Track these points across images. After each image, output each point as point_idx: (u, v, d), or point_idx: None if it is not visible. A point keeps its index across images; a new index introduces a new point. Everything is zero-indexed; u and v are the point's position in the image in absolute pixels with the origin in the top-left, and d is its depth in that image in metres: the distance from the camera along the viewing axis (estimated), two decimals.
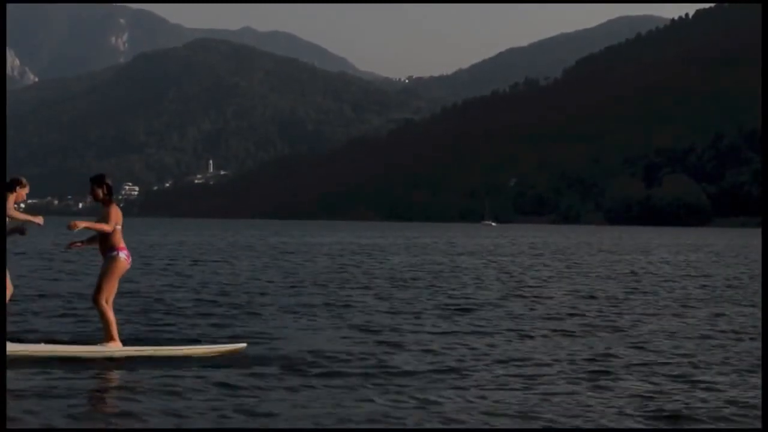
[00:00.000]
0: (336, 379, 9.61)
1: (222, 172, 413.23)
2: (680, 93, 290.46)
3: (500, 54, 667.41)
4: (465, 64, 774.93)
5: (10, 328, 12.06)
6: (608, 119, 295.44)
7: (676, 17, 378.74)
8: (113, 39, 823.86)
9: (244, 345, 11.30)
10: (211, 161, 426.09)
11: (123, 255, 10.66)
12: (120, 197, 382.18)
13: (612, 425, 7.89)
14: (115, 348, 10.61)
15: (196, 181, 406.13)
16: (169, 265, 30.31)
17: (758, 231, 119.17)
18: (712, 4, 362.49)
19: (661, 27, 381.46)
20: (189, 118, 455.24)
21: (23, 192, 10.89)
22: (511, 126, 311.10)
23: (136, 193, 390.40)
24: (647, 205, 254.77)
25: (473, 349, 11.95)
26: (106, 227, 10.58)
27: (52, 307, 15.82)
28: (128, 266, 10.81)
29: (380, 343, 12.32)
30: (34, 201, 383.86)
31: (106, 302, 10.63)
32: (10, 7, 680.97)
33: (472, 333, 13.57)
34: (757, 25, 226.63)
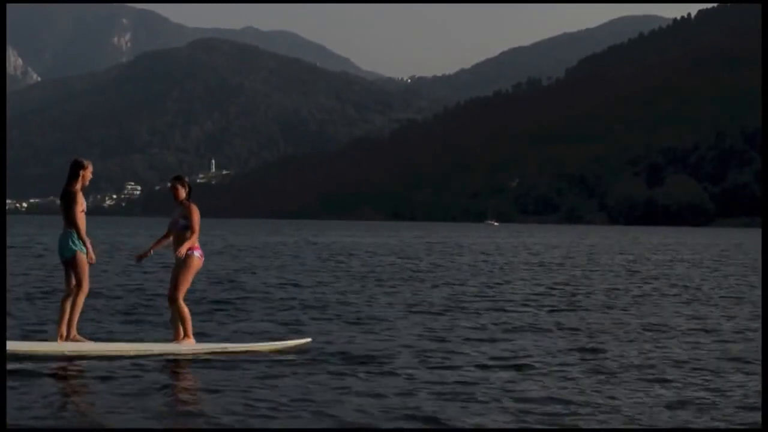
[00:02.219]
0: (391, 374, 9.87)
1: (224, 172, 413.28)
2: (683, 93, 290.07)
3: (503, 53, 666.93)
4: (467, 64, 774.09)
5: (88, 328, 12.40)
6: (611, 119, 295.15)
7: (678, 17, 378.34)
8: (116, 39, 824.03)
9: (309, 340, 11.55)
10: (213, 161, 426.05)
11: (198, 254, 10.84)
12: (122, 197, 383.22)
13: (610, 424, 7.90)
14: (190, 345, 10.76)
15: (198, 181, 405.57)
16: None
17: (760, 231, 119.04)
18: (715, 4, 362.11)
19: (663, 27, 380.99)
20: (192, 118, 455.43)
21: (87, 174, 10.80)
22: (514, 126, 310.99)
23: (138, 192, 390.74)
24: (650, 205, 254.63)
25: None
26: (196, 236, 10.81)
27: (105, 306, 16.10)
28: (201, 265, 10.98)
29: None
30: (36, 200, 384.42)
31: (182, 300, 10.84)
32: (12, 7, 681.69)
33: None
34: (759, 25, 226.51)
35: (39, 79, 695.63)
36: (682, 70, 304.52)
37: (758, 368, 10.71)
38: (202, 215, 10.88)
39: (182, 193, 10.90)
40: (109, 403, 8.15)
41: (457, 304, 18.00)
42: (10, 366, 9.33)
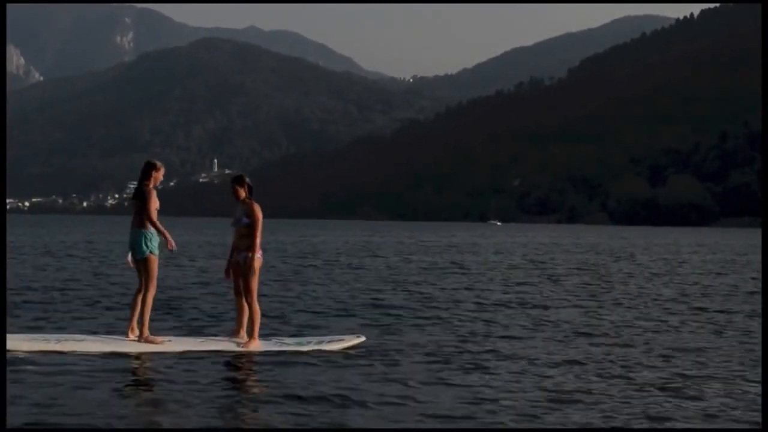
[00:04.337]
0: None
1: (227, 171, 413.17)
2: (685, 93, 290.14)
3: (505, 54, 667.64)
4: (470, 64, 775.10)
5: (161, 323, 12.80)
6: (613, 119, 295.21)
7: (681, 17, 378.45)
8: (118, 38, 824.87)
9: (363, 338, 11.71)
10: (215, 160, 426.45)
11: (258, 255, 11.12)
12: (124, 196, 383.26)
13: (609, 425, 7.83)
14: (256, 346, 10.91)
15: (200, 180, 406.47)
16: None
17: (761, 230, 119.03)
18: (717, 4, 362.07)
19: (666, 27, 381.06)
20: (194, 117, 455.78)
21: (159, 175, 11.28)
22: (516, 125, 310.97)
23: None
24: (652, 205, 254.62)
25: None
26: (260, 234, 11.12)
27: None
28: (261, 264, 11.23)
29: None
30: (38, 200, 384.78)
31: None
32: (14, 6, 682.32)
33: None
34: (761, 25, 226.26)
35: (41, 78, 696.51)
36: (684, 69, 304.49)
37: (758, 367, 10.66)
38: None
39: (242, 193, 11.34)
40: (172, 400, 8.15)
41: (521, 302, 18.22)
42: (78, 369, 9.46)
